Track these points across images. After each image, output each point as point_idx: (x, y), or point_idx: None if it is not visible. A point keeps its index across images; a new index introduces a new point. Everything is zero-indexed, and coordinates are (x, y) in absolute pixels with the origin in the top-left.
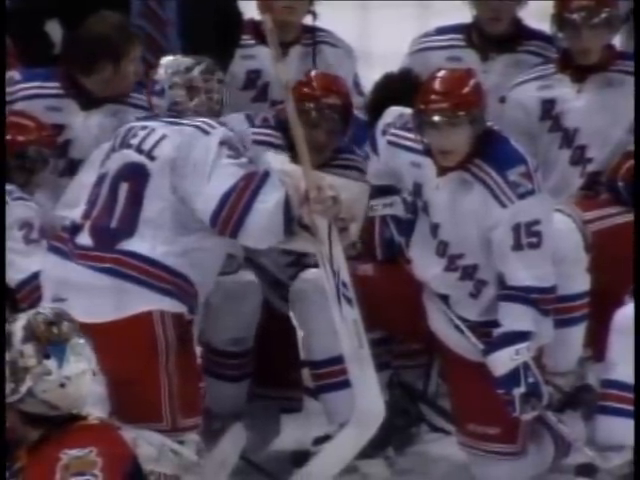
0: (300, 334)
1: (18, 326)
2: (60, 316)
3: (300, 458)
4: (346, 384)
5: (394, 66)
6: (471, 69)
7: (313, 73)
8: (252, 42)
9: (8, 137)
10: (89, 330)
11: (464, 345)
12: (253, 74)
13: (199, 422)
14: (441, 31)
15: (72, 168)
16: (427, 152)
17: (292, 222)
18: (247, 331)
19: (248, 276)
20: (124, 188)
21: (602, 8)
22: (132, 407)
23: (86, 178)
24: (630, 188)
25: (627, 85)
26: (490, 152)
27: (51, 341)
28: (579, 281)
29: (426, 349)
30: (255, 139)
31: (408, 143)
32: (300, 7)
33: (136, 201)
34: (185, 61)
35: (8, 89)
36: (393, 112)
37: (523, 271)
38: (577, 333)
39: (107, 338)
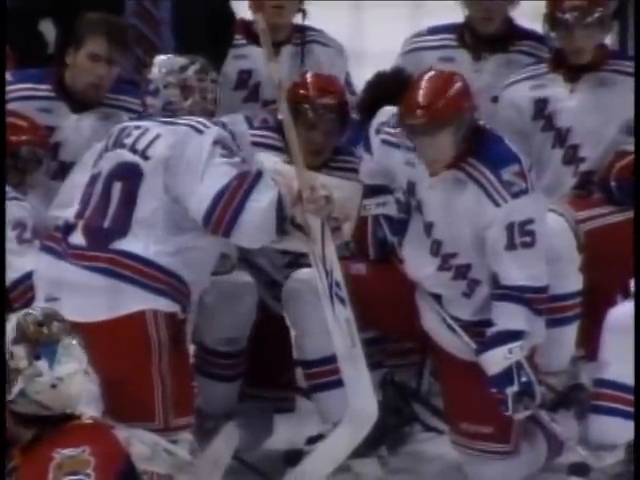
0: (293, 334)
1: (9, 327)
2: (50, 316)
3: (293, 458)
4: (339, 383)
5: (387, 65)
6: (455, 73)
7: (308, 74)
8: (244, 42)
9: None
10: (82, 329)
11: (457, 344)
12: (245, 74)
13: (192, 421)
14: (433, 31)
15: (63, 170)
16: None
17: (285, 221)
18: (242, 331)
19: (244, 277)
20: (117, 188)
21: (595, 8)
22: (125, 406)
23: (79, 178)
24: (623, 188)
25: (620, 84)
26: (484, 151)
27: (41, 342)
28: (572, 280)
29: (419, 348)
30: (254, 141)
31: (401, 142)
32: (289, 7)
33: (129, 201)
34: (179, 61)
35: None
36: (387, 111)
37: (517, 270)
38: (570, 332)
39: (100, 337)
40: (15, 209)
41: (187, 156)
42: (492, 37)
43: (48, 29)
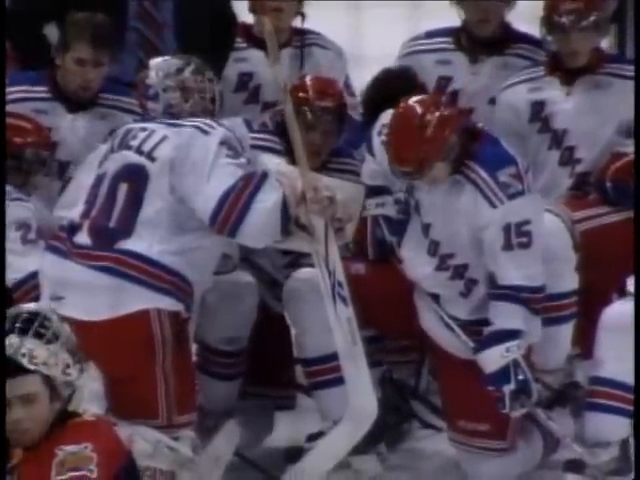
0: (293, 332)
1: (47, 311)
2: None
3: (293, 454)
4: (338, 381)
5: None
6: (431, 99)
7: (307, 77)
8: (244, 45)
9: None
10: (87, 328)
11: (455, 343)
12: (245, 76)
13: (194, 419)
14: (430, 34)
15: (60, 170)
16: None
17: (289, 222)
18: (242, 331)
19: (245, 277)
20: (123, 188)
21: (591, 12)
22: (129, 404)
23: (83, 179)
24: (618, 188)
25: (615, 87)
26: (481, 153)
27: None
28: (568, 280)
29: (417, 346)
30: (253, 144)
31: None
32: (288, 10)
33: (135, 201)
34: (174, 62)
35: None
36: (389, 114)
37: (513, 271)
38: (566, 331)
39: (105, 336)
40: (19, 210)
41: (193, 157)
42: (489, 40)
43: (52, 33)
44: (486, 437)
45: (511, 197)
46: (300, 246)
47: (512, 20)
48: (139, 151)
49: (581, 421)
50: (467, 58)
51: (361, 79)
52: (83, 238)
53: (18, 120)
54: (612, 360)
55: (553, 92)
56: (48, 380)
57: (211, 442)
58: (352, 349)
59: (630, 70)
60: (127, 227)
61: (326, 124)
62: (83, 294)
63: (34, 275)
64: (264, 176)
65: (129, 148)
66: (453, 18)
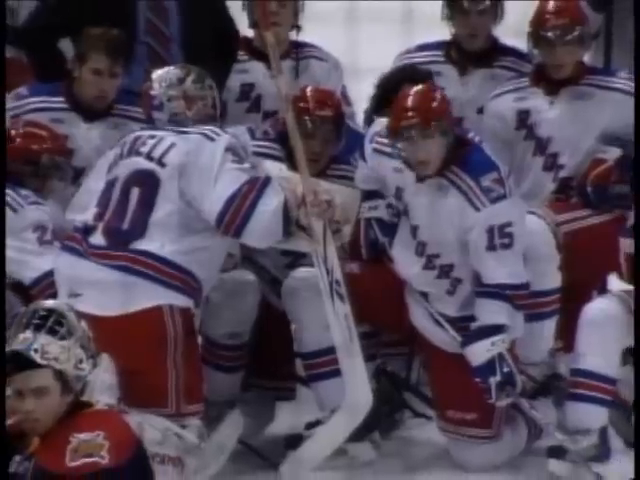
0: (293, 328)
1: (63, 308)
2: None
3: (293, 442)
4: (335, 373)
5: None
6: (434, 84)
7: (308, 88)
8: (245, 57)
9: (23, 145)
10: (103, 323)
11: (444, 338)
12: (247, 87)
13: (201, 408)
14: (422, 48)
15: (75, 175)
16: (406, 162)
17: (290, 224)
18: (245, 326)
19: (248, 276)
20: (135, 193)
21: (575, 26)
22: (141, 393)
23: (93, 184)
24: (598, 192)
25: (596, 97)
26: (465, 160)
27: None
28: (551, 278)
29: (408, 341)
30: (256, 151)
31: (391, 150)
32: (285, 23)
33: (147, 205)
34: (175, 72)
35: (17, 103)
36: (382, 122)
37: (497, 269)
38: (549, 326)
39: (120, 330)
40: (36, 213)
41: (201, 162)
42: (477, 53)
43: (66, 47)
44: (473, 425)
45: (493, 201)
46: (300, 246)
47: (499, 34)
48: (149, 157)
49: (563, 410)
50: (457, 70)
51: (357, 90)
52: (98, 239)
53: (35, 128)
54: (592, 354)
55: (538, 101)
56: (60, 374)
57: (216, 430)
58: (348, 343)
59: (610, 81)
60: (140, 229)
61: (325, 132)
62: (99, 291)
63: (50, 274)
64: (267, 181)
65: (139, 154)
66: (443, 35)
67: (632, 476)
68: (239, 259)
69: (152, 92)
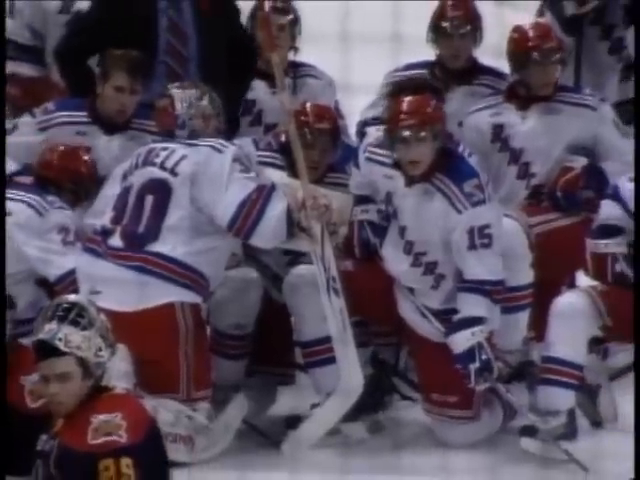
0: (293, 319)
1: (84, 302)
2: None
3: (293, 422)
4: (330, 360)
5: (372, 95)
6: (429, 95)
7: (307, 103)
8: None
9: (74, 168)
10: (120, 318)
11: (428, 328)
12: (249, 103)
13: (210, 393)
14: (409, 67)
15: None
16: (396, 165)
17: (293, 226)
18: (249, 318)
19: (252, 273)
20: (150, 199)
21: (558, 49)
22: (155, 381)
23: (109, 191)
24: (567, 197)
25: (565, 112)
26: (449, 167)
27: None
28: (525, 275)
29: (396, 331)
30: (260, 160)
31: (381, 159)
32: (283, 44)
33: (160, 210)
34: (192, 93)
35: (45, 117)
36: (374, 133)
37: (478, 267)
38: (523, 318)
39: (136, 324)
40: (61, 216)
41: (210, 172)
42: (459, 72)
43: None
44: (455, 407)
45: (474, 205)
46: (301, 246)
47: (481, 54)
48: (162, 167)
49: (535, 393)
50: (441, 87)
51: (349, 105)
52: (116, 241)
53: (84, 152)
54: (561, 343)
55: (511, 117)
56: (81, 361)
57: (223, 412)
58: (343, 334)
59: (578, 98)
60: (154, 232)
61: (323, 143)
62: (117, 288)
63: (72, 272)
64: (273, 188)
65: (153, 165)
66: (429, 53)
67: (623, 469)
68: (242, 257)
69: (176, 112)
